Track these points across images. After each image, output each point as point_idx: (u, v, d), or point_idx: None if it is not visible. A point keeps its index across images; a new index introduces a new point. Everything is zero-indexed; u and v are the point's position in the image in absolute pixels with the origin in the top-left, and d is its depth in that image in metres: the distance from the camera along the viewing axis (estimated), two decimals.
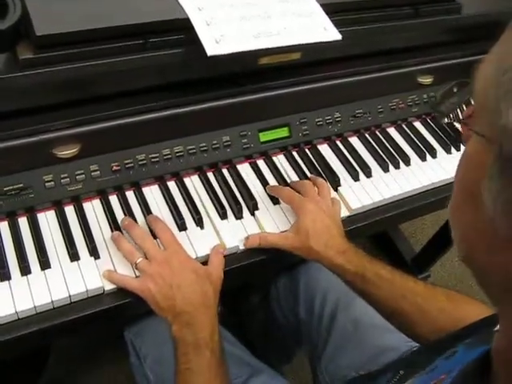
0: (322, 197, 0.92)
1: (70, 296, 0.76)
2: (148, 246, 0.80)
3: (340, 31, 0.89)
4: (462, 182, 0.40)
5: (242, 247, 0.88)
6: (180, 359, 0.74)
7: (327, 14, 0.90)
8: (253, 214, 0.93)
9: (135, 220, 0.86)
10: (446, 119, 0.87)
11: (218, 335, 0.76)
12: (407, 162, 1.09)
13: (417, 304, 0.80)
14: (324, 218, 0.88)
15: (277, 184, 0.98)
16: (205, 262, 0.84)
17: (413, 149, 1.13)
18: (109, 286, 0.79)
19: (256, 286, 1.53)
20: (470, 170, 0.39)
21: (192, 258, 0.82)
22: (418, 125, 1.18)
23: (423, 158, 1.11)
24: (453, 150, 1.15)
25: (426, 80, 1.14)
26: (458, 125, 1.12)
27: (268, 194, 0.96)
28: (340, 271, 0.85)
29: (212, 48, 0.79)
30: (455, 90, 0.67)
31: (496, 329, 0.47)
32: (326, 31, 0.88)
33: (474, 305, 0.80)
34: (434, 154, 1.12)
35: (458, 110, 0.59)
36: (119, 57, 0.79)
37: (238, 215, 0.91)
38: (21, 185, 0.81)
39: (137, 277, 0.79)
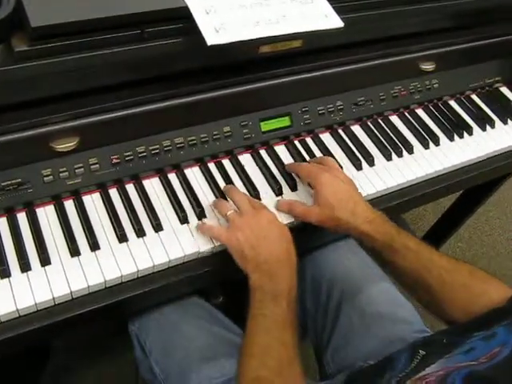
0: (333, 167, 0.93)
1: (71, 292, 0.75)
2: (243, 200, 0.84)
3: (341, 18, 0.87)
4: None
5: None
6: (255, 305, 0.75)
7: (328, 0, 0.88)
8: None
9: (136, 213, 0.85)
10: None
11: (295, 292, 0.77)
12: (410, 150, 1.08)
13: (440, 277, 0.80)
14: (345, 187, 0.88)
15: (279, 174, 0.97)
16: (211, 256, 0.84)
17: (415, 136, 1.11)
18: (111, 282, 0.78)
19: None
20: None
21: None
22: (420, 112, 1.17)
23: (426, 146, 1.10)
24: (456, 137, 1.14)
25: (429, 67, 1.12)
26: None
27: (270, 184, 0.95)
28: (368, 240, 0.85)
29: (212, 37, 0.77)
30: None
31: None
32: (327, 18, 0.86)
33: (494, 283, 0.80)
34: (436, 142, 1.11)
35: None
36: (117, 47, 0.77)
37: None
38: (19, 180, 0.80)
39: None
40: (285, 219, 0.90)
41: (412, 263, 0.82)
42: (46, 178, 0.82)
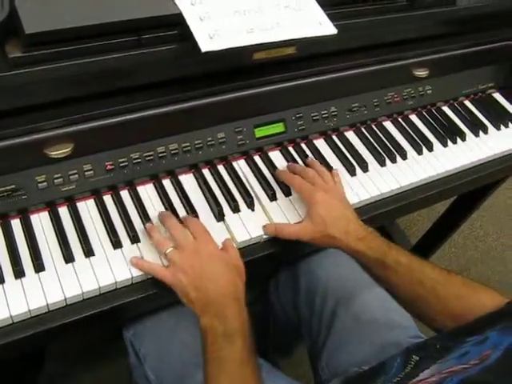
0: (329, 183, 0.92)
1: (65, 299, 0.75)
2: (179, 235, 0.79)
3: (335, 25, 0.88)
4: None
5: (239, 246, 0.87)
6: (210, 348, 0.73)
7: (322, 7, 0.89)
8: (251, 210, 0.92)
9: (131, 220, 0.85)
10: None
11: (248, 327, 0.75)
12: (404, 156, 1.08)
13: (434, 290, 0.80)
14: (338, 205, 0.88)
15: (273, 180, 0.97)
16: None
17: (409, 142, 1.12)
18: (105, 288, 0.78)
19: (253, 280, 1.52)
20: None
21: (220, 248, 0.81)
22: (413, 118, 1.18)
23: (420, 152, 1.10)
24: (449, 142, 1.14)
25: (422, 73, 1.13)
26: None
27: (264, 190, 0.95)
28: (360, 257, 0.85)
29: (206, 44, 0.77)
30: None
31: None
32: (321, 25, 0.86)
33: (488, 292, 0.80)
34: (430, 147, 1.11)
35: None
36: (111, 54, 0.77)
37: (235, 213, 0.90)
38: (13, 186, 0.80)
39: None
40: None
41: (405, 277, 0.82)
42: (40, 185, 0.82)
